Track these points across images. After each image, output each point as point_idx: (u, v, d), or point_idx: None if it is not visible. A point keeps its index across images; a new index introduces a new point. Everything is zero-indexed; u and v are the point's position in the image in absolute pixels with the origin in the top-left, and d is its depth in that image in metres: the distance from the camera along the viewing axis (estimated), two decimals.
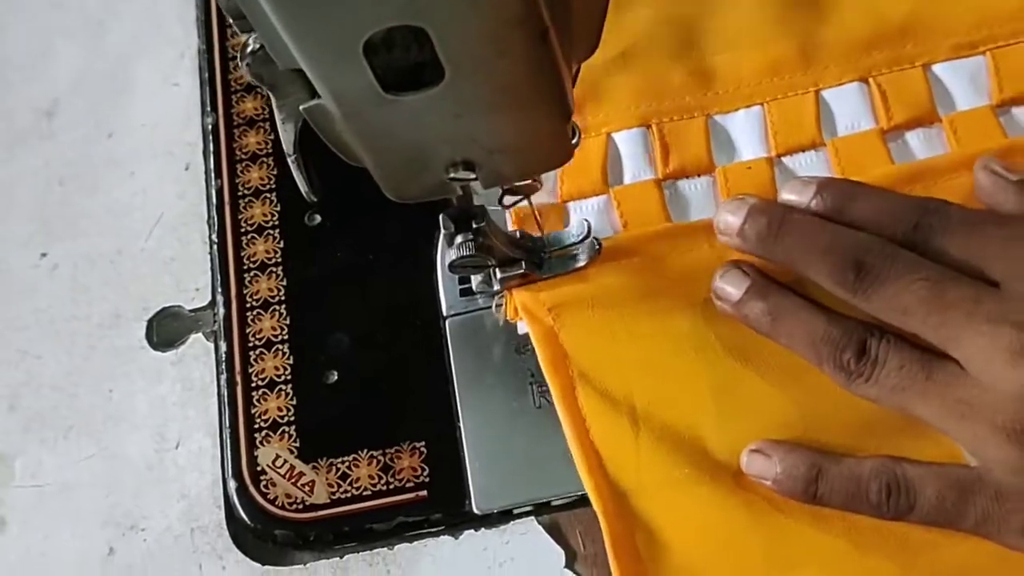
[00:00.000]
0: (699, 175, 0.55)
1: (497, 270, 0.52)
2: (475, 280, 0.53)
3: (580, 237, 0.52)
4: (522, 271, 0.52)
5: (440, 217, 0.48)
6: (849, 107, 0.55)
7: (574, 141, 0.42)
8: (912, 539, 0.47)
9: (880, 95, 0.55)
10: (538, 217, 0.52)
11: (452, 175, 0.41)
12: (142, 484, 0.54)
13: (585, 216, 0.53)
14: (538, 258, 0.52)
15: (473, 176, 0.41)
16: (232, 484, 0.53)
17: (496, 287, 0.53)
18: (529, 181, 0.47)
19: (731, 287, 0.50)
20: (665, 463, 0.49)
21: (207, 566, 0.52)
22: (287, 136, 0.43)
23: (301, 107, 0.39)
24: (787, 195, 0.50)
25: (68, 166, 0.62)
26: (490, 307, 0.54)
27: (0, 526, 0.55)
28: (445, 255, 0.50)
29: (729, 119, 0.56)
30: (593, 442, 0.49)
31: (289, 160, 0.44)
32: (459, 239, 0.48)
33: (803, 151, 0.55)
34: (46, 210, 0.61)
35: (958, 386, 0.45)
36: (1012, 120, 0.54)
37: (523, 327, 0.52)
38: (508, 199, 0.48)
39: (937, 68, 0.56)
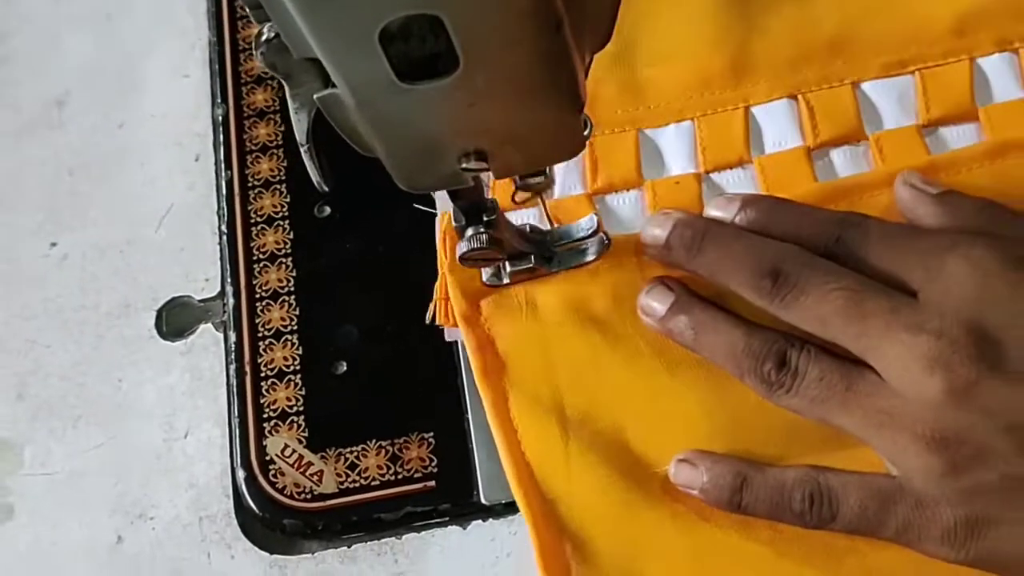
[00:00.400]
0: (628, 189, 0.55)
1: (507, 263, 0.52)
2: (485, 273, 0.53)
3: (589, 231, 0.52)
4: (531, 265, 0.52)
5: (451, 210, 0.48)
6: (777, 124, 0.55)
7: (586, 133, 0.42)
8: (837, 547, 0.47)
9: (808, 112, 0.55)
10: (548, 212, 0.52)
11: (464, 165, 0.41)
12: (151, 473, 0.54)
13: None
14: (548, 252, 0.52)
15: (485, 166, 0.41)
16: (241, 473, 0.53)
17: (506, 280, 0.53)
18: (541, 178, 0.47)
19: (656, 303, 0.50)
20: (595, 472, 0.49)
21: (215, 555, 0.52)
22: (300, 126, 0.43)
23: (315, 96, 0.40)
24: (712, 211, 0.51)
25: (78, 156, 0.62)
26: None
27: (8, 514, 0.55)
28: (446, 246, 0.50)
29: (659, 133, 0.56)
30: (524, 452, 0.49)
31: (302, 150, 0.44)
32: (470, 232, 0.48)
33: (731, 168, 0.55)
34: (56, 200, 0.61)
35: (878, 396, 0.45)
36: (938, 140, 0.54)
37: (451, 334, 0.52)
38: (520, 195, 0.48)
39: (866, 86, 0.56)
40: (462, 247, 0.48)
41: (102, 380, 0.57)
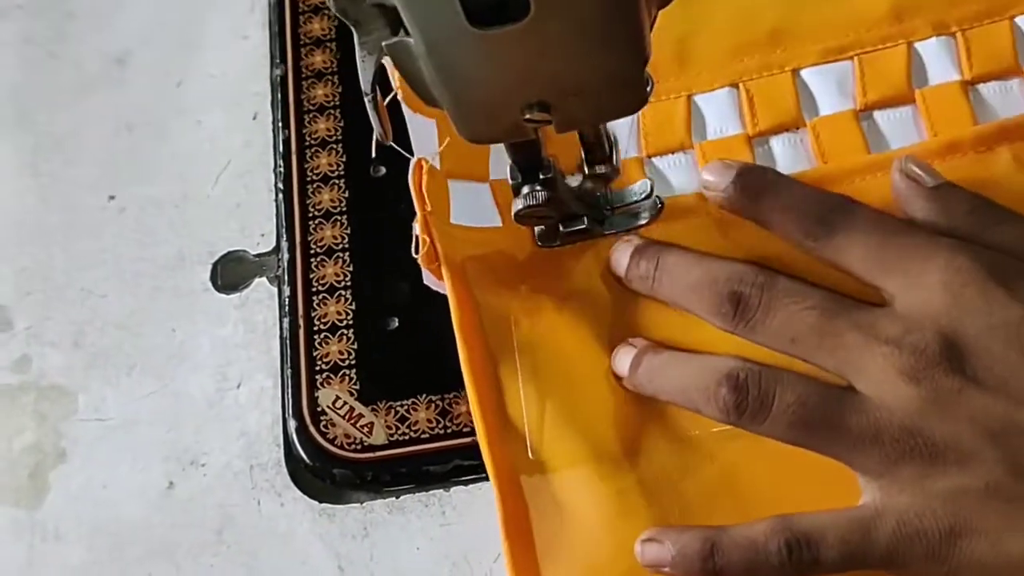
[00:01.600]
0: (573, 175, 0.55)
1: (560, 225, 0.53)
2: (537, 233, 0.54)
3: (643, 195, 0.53)
4: (584, 226, 0.52)
5: (508, 167, 0.49)
6: (719, 112, 0.56)
7: (648, 89, 0.42)
8: None
9: (748, 100, 0.55)
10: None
11: (528, 116, 0.41)
12: (203, 421, 0.55)
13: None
14: (600, 215, 0.53)
15: (548, 118, 0.42)
16: (292, 423, 0.54)
17: (558, 241, 0.53)
18: (607, 170, 0.48)
19: (622, 361, 0.50)
20: (567, 446, 0.49)
21: (265, 502, 0.53)
22: (366, 75, 0.43)
23: (384, 44, 0.40)
24: (707, 175, 0.51)
25: (137, 113, 0.63)
26: None
27: (62, 457, 0.56)
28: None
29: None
30: (497, 417, 0.50)
31: (366, 99, 0.45)
32: (525, 189, 0.49)
33: (672, 153, 0.56)
34: (114, 155, 0.62)
35: (860, 413, 0.45)
36: (873, 124, 0.54)
37: (427, 277, 0.52)
38: (587, 184, 0.49)
39: (805, 73, 0.56)
40: (517, 204, 0.49)
41: (157, 331, 0.58)
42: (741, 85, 0.56)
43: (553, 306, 0.52)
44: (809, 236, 0.48)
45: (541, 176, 0.48)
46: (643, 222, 0.52)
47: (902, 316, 0.45)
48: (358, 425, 0.53)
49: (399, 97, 0.52)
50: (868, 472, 0.45)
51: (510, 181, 0.49)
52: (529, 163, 0.48)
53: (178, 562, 0.53)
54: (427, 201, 0.51)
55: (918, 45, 0.56)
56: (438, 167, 0.53)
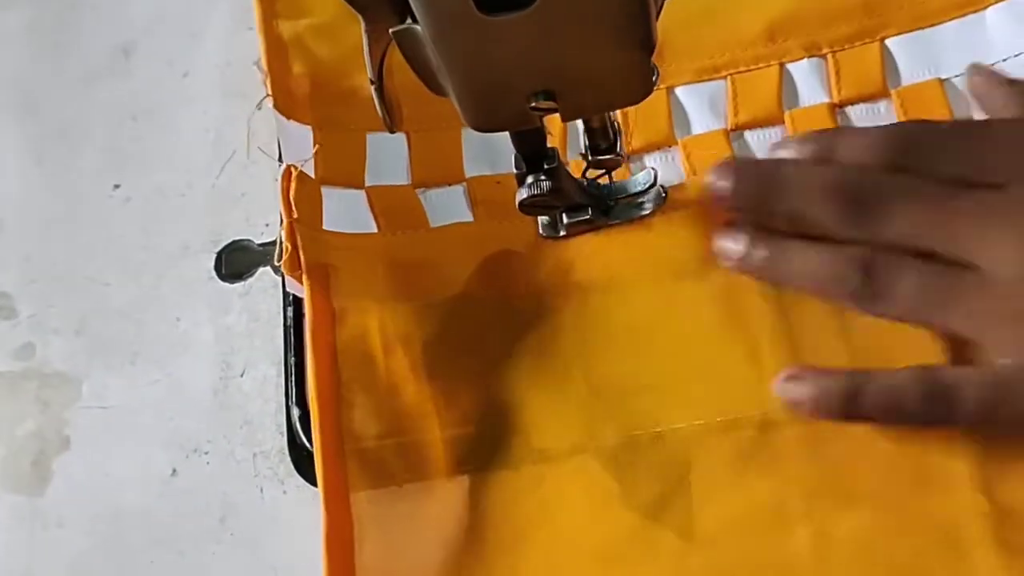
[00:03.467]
0: (450, 184, 0.57)
1: (564, 215, 0.53)
2: (541, 224, 0.54)
3: (647, 185, 0.53)
4: (588, 217, 0.53)
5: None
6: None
7: (654, 78, 0.42)
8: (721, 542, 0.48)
9: (623, 118, 0.56)
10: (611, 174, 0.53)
11: (534, 104, 0.42)
12: (206, 409, 0.55)
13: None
14: (605, 205, 0.53)
15: (555, 106, 0.42)
16: (296, 411, 0.54)
17: (562, 232, 0.53)
18: (612, 156, 0.48)
19: (732, 243, 0.50)
20: (402, 464, 0.50)
21: (268, 490, 0.53)
22: (373, 62, 0.44)
23: (391, 31, 0.40)
24: (776, 152, 0.51)
25: (142, 103, 0.63)
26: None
27: (65, 445, 0.56)
28: None
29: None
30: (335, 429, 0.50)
31: (372, 88, 0.45)
32: (530, 179, 0.49)
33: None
34: (119, 144, 0.63)
35: (983, 288, 0.46)
36: (743, 144, 0.55)
37: (291, 284, 0.53)
38: (592, 172, 0.49)
39: (679, 91, 0.57)
40: (522, 193, 0.49)
41: (160, 319, 0.58)
42: None
43: (409, 323, 0.52)
44: (897, 159, 0.49)
45: (545, 166, 0.49)
46: (647, 212, 0.53)
47: (1019, 198, 0.46)
48: None
49: (270, 104, 0.53)
50: (1004, 349, 0.46)
51: (515, 171, 0.49)
52: (534, 153, 0.48)
53: (181, 549, 0.53)
54: (293, 208, 0.51)
55: (790, 66, 0.56)
56: (312, 174, 0.53)
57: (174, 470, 0.54)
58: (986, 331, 0.46)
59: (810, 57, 0.56)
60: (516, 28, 0.38)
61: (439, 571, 0.48)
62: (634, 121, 0.56)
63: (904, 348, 0.48)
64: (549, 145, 0.49)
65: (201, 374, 0.56)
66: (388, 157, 0.56)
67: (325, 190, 0.54)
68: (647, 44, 0.40)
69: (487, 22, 0.37)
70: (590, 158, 0.49)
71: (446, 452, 0.50)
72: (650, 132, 0.56)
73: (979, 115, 0.53)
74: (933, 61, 0.55)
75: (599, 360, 0.51)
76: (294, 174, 0.51)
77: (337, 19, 0.58)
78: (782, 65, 0.56)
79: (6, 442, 0.56)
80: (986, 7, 0.55)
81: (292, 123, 0.54)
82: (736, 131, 0.55)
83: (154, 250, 0.59)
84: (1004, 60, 0.54)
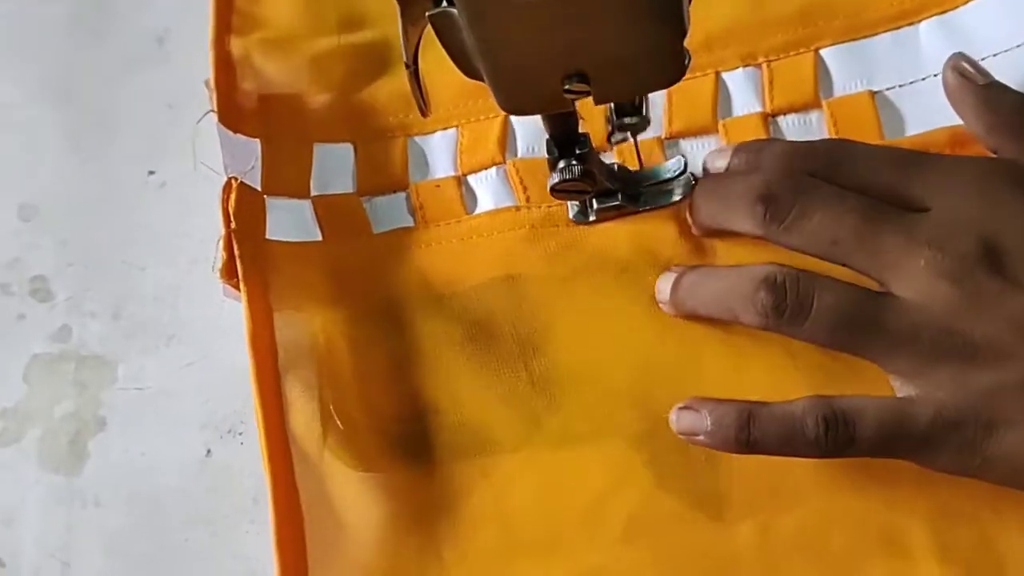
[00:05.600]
0: (395, 191, 0.58)
1: (594, 200, 0.53)
2: (571, 209, 0.55)
3: (676, 172, 0.53)
4: (618, 203, 0.53)
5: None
6: (530, 132, 0.57)
7: (686, 62, 0.43)
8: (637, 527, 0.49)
9: None
10: (639, 151, 0.53)
11: (567, 87, 0.42)
12: (240, 390, 0.55)
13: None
14: (635, 191, 0.54)
15: (587, 89, 0.42)
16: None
17: (592, 217, 0.54)
18: (637, 119, 0.48)
19: (664, 284, 0.52)
20: (347, 464, 0.51)
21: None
22: (408, 46, 0.44)
23: (427, 14, 0.41)
24: (712, 163, 0.53)
25: (177, 91, 0.64)
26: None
27: (101, 426, 0.57)
28: None
29: (426, 140, 0.59)
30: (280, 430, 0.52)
31: (407, 71, 0.46)
32: (561, 163, 0.50)
33: (485, 169, 0.57)
34: (155, 131, 0.63)
35: (898, 313, 0.46)
36: (678, 151, 0.56)
37: (228, 292, 0.54)
38: (617, 135, 0.49)
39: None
40: (553, 178, 0.50)
41: (195, 303, 0.59)
42: None
43: (352, 326, 0.54)
44: (826, 171, 0.49)
45: (577, 151, 0.49)
46: (676, 198, 0.53)
47: (941, 221, 0.46)
48: None
49: (214, 120, 0.55)
50: (904, 373, 0.46)
51: (547, 156, 0.50)
52: (566, 137, 0.49)
53: (215, 528, 0.54)
54: (232, 219, 0.53)
55: (726, 75, 0.57)
56: (258, 185, 0.55)
57: (209, 450, 0.55)
58: (892, 357, 0.46)
59: (745, 67, 0.57)
60: (552, 10, 0.38)
61: (390, 560, 0.50)
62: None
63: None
64: (581, 130, 0.49)
65: (236, 356, 0.56)
66: (334, 167, 0.58)
67: (271, 200, 0.56)
68: (680, 27, 0.41)
69: (522, 4, 0.38)
70: (615, 121, 0.49)
71: (392, 447, 0.52)
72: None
73: (914, 129, 0.54)
74: (866, 73, 0.56)
75: (541, 353, 0.52)
76: (234, 186, 0.54)
77: (289, 33, 0.60)
78: (718, 74, 0.57)
79: (44, 423, 0.57)
80: (920, 20, 0.56)
81: (239, 136, 0.56)
82: (671, 139, 0.56)
83: (188, 235, 0.60)
84: (935, 75, 0.54)
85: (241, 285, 0.53)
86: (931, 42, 0.56)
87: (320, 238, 0.56)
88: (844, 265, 0.48)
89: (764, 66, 0.56)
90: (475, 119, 0.58)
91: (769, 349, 0.50)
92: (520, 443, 0.51)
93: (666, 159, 0.55)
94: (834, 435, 0.45)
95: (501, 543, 0.50)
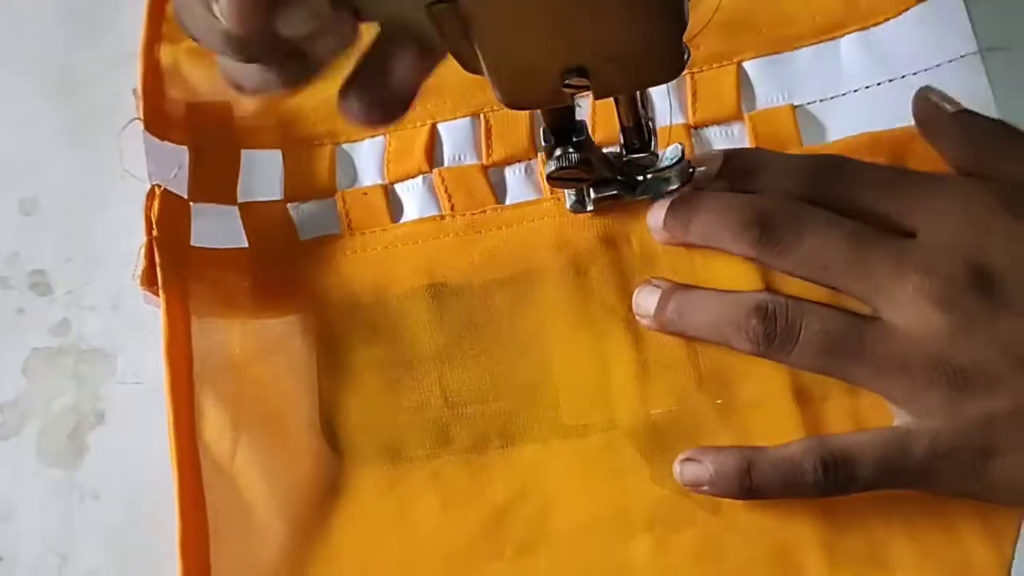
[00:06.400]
0: (322, 198, 0.58)
1: (591, 190, 0.54)
2: (569, 198, 0.55)
3: (674, 160, 0.53)
4: (615, 192, 0.53)
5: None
6: (456, 141, 0.58)
7: (686, 57, 0.43)
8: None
9: (486, 130, 0.57)
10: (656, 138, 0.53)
11: (567, 82, 0.42)
12: None
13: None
14: (632, 180, 0.54)
15: (587, 84, 0.42)
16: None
17: (590, 207, 0.54)
18: (646, 155, 0.50)
19: (646, 301, 0.52)
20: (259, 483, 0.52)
21: None
22: None
23: (427, 5, 0.41)
24: (699, 166, 0.53)
25: None
26: None
27: (100, 419, 0.57)
28: None
29: (354, 147, 0.59)
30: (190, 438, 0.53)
31: None
32: (558, 151, 0.50)
33: (411, 177, 0.58)
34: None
35: (887, 340, 0.46)
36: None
37: (148, 299, 0.55)
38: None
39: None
40: (551, 166, 0.50)
41: None
42: (481, 115, 0.58)
43: (272, 336, 0.55)
44: (814, 191, 0.49)
45: (574, 139, 0.49)
46: (674, 187, 0.53)
47: (930, 246, 0.47)
48: None
49: (140, 127, 0.56)
50: (897, 399, 0.47)
51: (542, 143, 0.50)
52: (563, 126, 0.49)
53: None
54: (154, 226, 0.54)
55: (653, 89, 0.56)
56: (184, 192, 0.56)
57: None
58: (883, 383, 0.47)
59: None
60: (551, 4, 0.38)
61: (293, 567, 0.51)
62: (496, 134, 0.58)
63: (750, 366, 0.50)
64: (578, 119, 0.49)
65: None
66: (262, 173, 0.58)
67: (197, 207, 0.57)
68: (680, 21, 0.40)
69: None
70: (624, 156, 0.51)
71: (302, 456, 0.52)
72: (511, 145, 0.58)
73: (831, 145, 0.54)
74: (787, 87, 0.56)
75: (454, 366, 0.53)
76: (158, 193, 0.54)
77: None
78: None
79: (43, 416, 0.57)
80: (842, 35, 0.56)
81: (165, 143, 0.57)
82: (604, 144, 0.56)
83: None
84: (855, 91, 0.55)
85: (160, 293, 0.54)
86: (852, 58, 0.56)
87: (246, 245, 0.57)
88: (834, 289, 0.48)
89: (687, 78, 0.57)
90: (402, 127, 0.59)
91: (678, 360, 0.52)
92: (428, 456, 0.52)
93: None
94: (834, 476, 0.46)
95: (402, 554, 0.51)
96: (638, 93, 0.48)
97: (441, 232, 0.56)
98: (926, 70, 0.55)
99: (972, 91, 0.52)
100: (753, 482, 0.47)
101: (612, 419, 0.51)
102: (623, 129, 0.50)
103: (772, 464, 0.47)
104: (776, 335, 0.48)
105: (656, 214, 0.52)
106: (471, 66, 0.43)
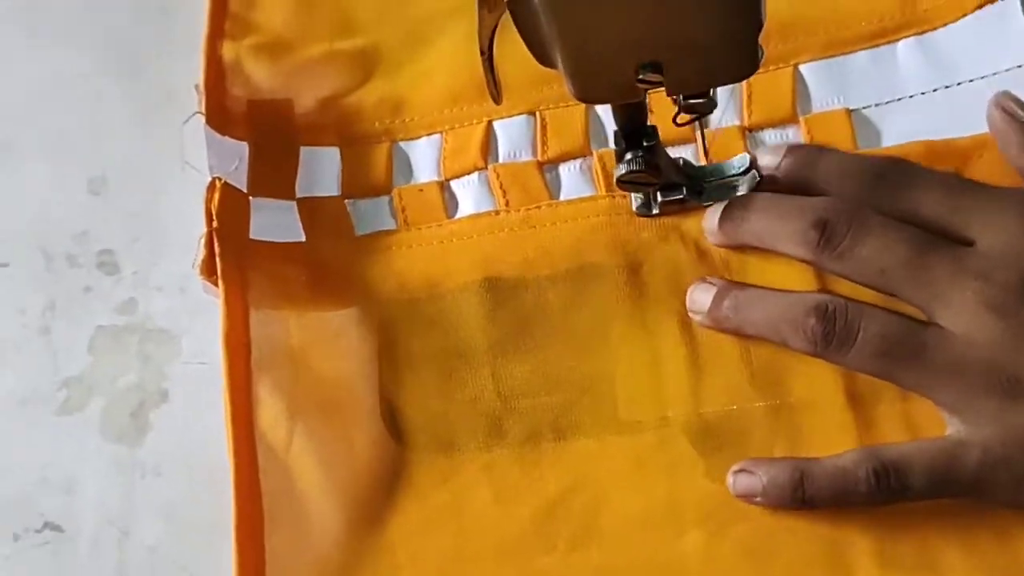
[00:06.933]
0: (377, 195, 0.59)
1: (658, 193, 0.54)
2: (635, 201, 0.55)
3: (742, 169, 0.54)
4: (682, 196, 0.54)
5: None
6: (512, 137, 0.58)
7: (760, 56, 0.43)
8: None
9: (542, 127, 0.58)
10: (706, 145, 0.54)
11: (641, 77, 0.43)
12: None
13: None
14: (699, 186, 0.54)
15: (660, 79, 0.43)
16: None
17: (655, 210, 0.54)
18: (704, 99, 0.48)
19: (701, 297, 0.52)
20: (315, 471, 0.52)
21: None
22: (484, 33, 0.45)
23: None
24: (762, 160, 0.53)
25: None
26: None
27: (164, 397, 0.58)
28: None
29: (412, 145, 0.60)
30: (255, 424, 0.54)
31: (482, 58, 0.46)
32: (628, 155, 0.50)
33: (467, 174, 0.58)
34: None
35: (943, 345, 0.47)
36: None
37: (208, 289, 0.56)
38: (682, 117, 0.50)
39: (599, 107, 0.58)
40: (620, 169, 0.50)
41: None
42: (538, 113, 0.59)
43: (329, 327, 0.55)
44: (873, 193, 0.49)
45: (645, 143, 0.50)
46: (741, 195, 0.53)
47: (988, 255, 0.47)
48: None
49: (202, 122, 0.56)
50: (950, 406, 0.47)
51: (613, 147, 0.50)
52: (634, 129, 0.49)
53: None
54: (215, 218, 0.55)
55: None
56: (244, 186, 0.57)
57: None
58: (937, 388, 0.47)
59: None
60: None
61: (345, 554, 0.51)
62: (552, 131, 0.59)
63: (803, 366, 0.50)
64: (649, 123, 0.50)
65: None
66: (320, 170, 0.59)
67: (256, 201, 0.58)
68: (756, 19, 0.41)
69: None
70: (682, 102, 0.49)
71: (358, 447, 0.53)
72: (567, 142, 0.58)
73: (886, 151, 0.54)
74: (843, 90, 0.56)
75: (508, 360, 0.53)
76: (218, 186, 0.55)
77: (281, 39, 0.62)
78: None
79: (107, 393, 0.58)
80: (899, 39, 0.56)
81: (227, 139, 0.58)
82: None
83: None
84: (911, 96, 0.55)
85: (220, 283, 0.55)
86: (909, 62, 0.56)
87: (303, 239, 0.58)
88: (892, 295, 0.48)
89: (743, 82, 0.57)
90: (459, 125, 0.59)
91: (732, 365, 0.52)
92: (481, 448, 0.52)
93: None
94: (886, 486, 0.46)
95: (455, 546, 0.51)
96: None
97: (496, 227, 0.56)
98: (983, 77, 0.55)
99: None
100: (806, 493, 0.47)
101: (665, 416, 0.52)
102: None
103: (825, 475, 0.47)
104: (834, 335, 0.48)
105: (711, 217, 0.53)
106: (546, 59, 0.44)
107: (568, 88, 0.44)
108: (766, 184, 0.53)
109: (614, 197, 0.56)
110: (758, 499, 0.49)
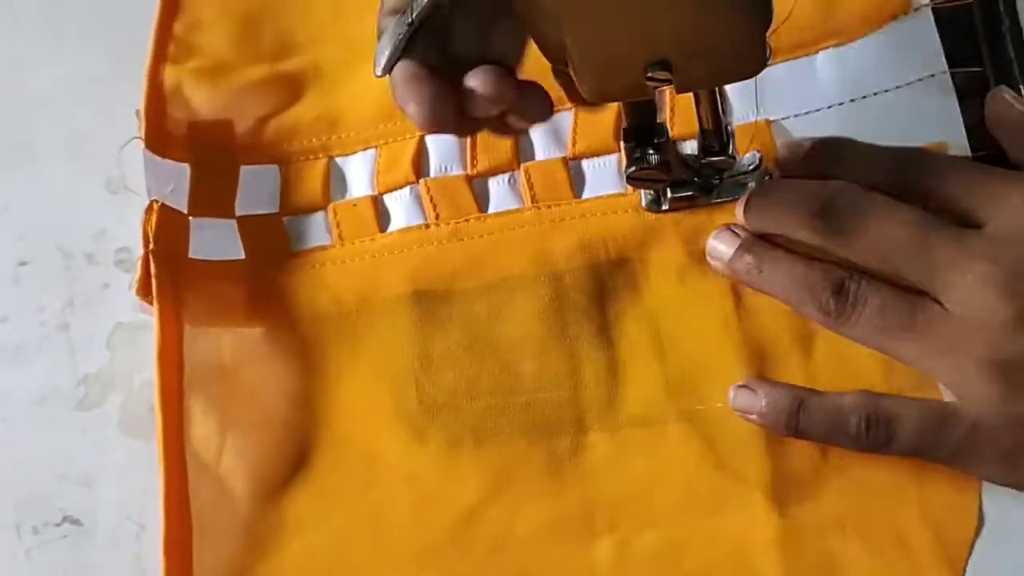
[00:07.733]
0: (314, 211, 0.60)
1: (668, 190, 0.54)
2: (644, 198, 0.55)
3: (751, 167, 0.54)
4: (692, 193, 0.54)
5: (622, 130, 0.51)
6: (442, 152, 0.59)
7: (768, 54, 0.44)
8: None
9: (471, 143, 0.58)
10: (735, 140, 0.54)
11: (650, 75, 0.43)
12: None
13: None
14: (709, 184, 0.54)
15: (670, 78, 0.43)
16: None
17: (665, 206, 0.55)
18: (723, 158, 0.51)
19: (723, 245, 0.52)
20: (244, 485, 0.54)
21: None
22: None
23: None
24: (783, 152, 0.54)
25: None
26: None
27: None
28: None
29: (348, 161, 0.60)
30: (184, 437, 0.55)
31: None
32: (638, 153, 0.51)
33: (399, 188, 0.59)
34: None
35: (942, 323, 0.47)
36: (579, 170, 0.58)
37: (145, 308, 0.57)
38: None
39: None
40: (631, 167, 0.51)
41: None
42: None
43: (263, 344, 0.57)
44: (891, 180, 0.50)
45: (655, 141, 0.50)
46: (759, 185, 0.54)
47: (994, 237, 0.47)
48: None
49: (141, 145, 0.57)
50: (947, 381, 0.48)
51: (623, 144, 0.51)
52: (645, 127, 0.50)
53: None
54: (151, 240, 0.56)
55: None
56: (183, 207, 0.59)
57: None
58: (934, 363, 0.48)
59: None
60: None
61: (272, 563, 0.53)
62: (480, 146, 0.59)
63: (715, 377, 0.52)
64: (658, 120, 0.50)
65: None
66: (259, 188, 0.60)
67: (197, 221, 0.59)
68: (765, 17, 0.41)
69: None
70: (703, 159, 0.51)
71: (284, 459, 0.55)
72: (494, 156, 0.59)
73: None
74: (761, 101, 0.56)
75: (433, 369, 0.54)
76: (156, 208, 0.56)
77: (221, 62, 0.62)
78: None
79: (125, 389, 0.59)
80: (817, 52, 0.56)
81: (167, 161, 0.59)
82: (574, 160, 0.58)
83: None
84: (828, 107, 0.55)
85: (155, 303, 0.56)
86: (827, 74, 0.56)
87: (243, 256, 0.59)
88: (898, 276, 0.49)
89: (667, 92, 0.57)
90: (392, 140, 0.60)
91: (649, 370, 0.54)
92: (402, 458, 0.54)
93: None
94: (874, 434, 0.47)
95: (376, 553, 0.53)
96: (717, 96, 0.49)
97: (426, 241, 0.57)
98: (885, 91, 0.55)
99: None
100: (800, 423, 0.49)
101: (583, 423, 0.53)
102: (702, 131, 0.51)
103: (822, 410, 0.49)
104: (844, 307, 0.49)
105: (739, 208, 0.53)
106: (555, 56, 0.44)
107: (578, 87, 0.45)
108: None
109: (539, 209, 0.57)
110: (753, 418, 0.50)
